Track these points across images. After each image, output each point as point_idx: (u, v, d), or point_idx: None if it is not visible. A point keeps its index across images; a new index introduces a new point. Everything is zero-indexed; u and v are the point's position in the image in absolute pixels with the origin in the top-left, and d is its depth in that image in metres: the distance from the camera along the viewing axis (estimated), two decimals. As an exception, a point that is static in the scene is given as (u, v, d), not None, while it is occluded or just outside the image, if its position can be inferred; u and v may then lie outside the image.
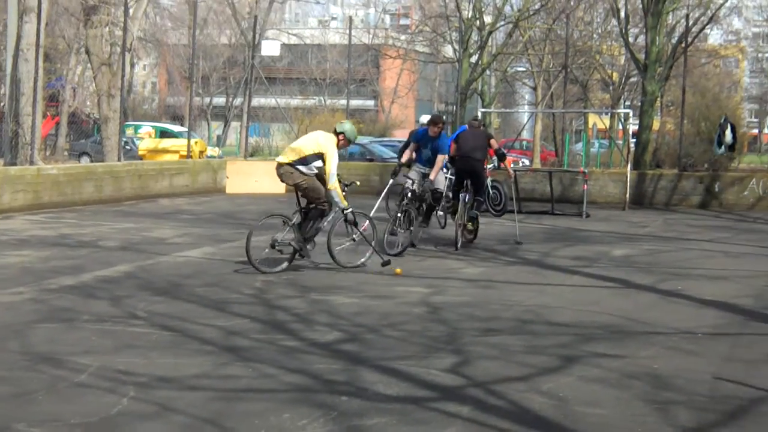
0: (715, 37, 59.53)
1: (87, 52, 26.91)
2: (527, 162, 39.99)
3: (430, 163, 14.24)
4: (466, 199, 14.34)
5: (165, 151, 33.20)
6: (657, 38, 30.14)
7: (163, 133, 38.89)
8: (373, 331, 8.34)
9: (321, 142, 11.63)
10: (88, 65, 30.92)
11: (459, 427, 5.69)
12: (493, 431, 5.64)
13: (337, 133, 11.80)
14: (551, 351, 7.70)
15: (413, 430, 5.62)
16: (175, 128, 41.36)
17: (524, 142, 46.54)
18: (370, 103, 70.53)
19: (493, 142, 15.20)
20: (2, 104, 27.85)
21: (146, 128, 39.87)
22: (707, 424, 5.85)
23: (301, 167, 11.48)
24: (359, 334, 8.21)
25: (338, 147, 11.71)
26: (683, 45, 28.43)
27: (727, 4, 41.98)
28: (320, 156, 11.53)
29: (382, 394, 6.35)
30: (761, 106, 66.49)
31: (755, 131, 69.35)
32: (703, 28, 36.31)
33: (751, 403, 6.32)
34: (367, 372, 6.90)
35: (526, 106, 54.50)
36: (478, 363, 7.25)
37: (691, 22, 30.53)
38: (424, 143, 14.42)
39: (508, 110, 58.05)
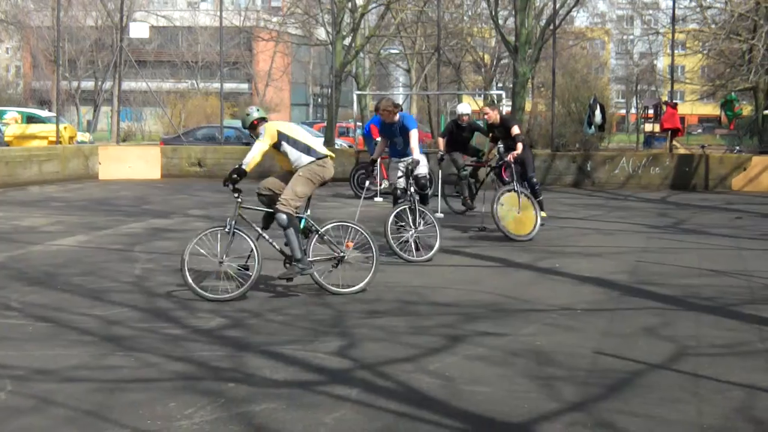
0: (581, 19, 60.81)
1: (-53, 35, 25.93)
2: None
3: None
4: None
5: (33, 137, 32.26)
6: (526, 20, 30.66)
7: (30, 119, 37.70)
8: (256, 316, 8.28)
9: None
10: (-51, 49, 29.83)
11: (348, 410, 5.70)
12: (383, 413, 5.66)
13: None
14: (435, 331, 7.76)
15: (302, 415, 5.60)
16: (43, 113, 40.17)
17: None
18: (244, 86, 69.95)
19: None
20: None
21: (12, 114, 38.54)
22: (590, 397, 5.98)
23: None
24: (243, 320, 8.14)
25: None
26: (551, 27, 28.99)
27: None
28: None
29: (269, 380, 6.31)
30: (627, 86, 68.27)
31: (623, 111, 71.31)
32: (569, 11, 37.05)
33: (632, 375, 6.48)
34: (252, 357, 6.85)
35: (401, 89, 54.69)
36: (365, 345, 7.27)
37: (558, 5, 31.09)
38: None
39: (383, 93, 58.12)
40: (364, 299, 9.09)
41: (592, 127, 27.55)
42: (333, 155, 9.57)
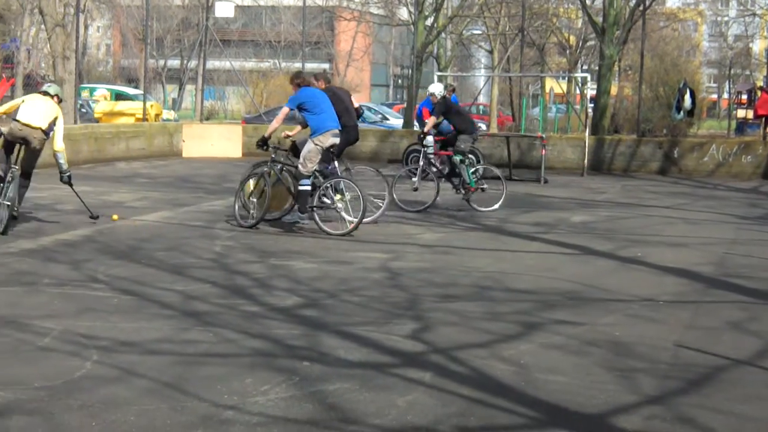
0: (673, 0, 59.60)
1: (41, 12, 26.51)
2: (484, 127, 40.01)
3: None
4: None
5: (121, 113, 32.87)
6: (615, 1, 30.13)
7: (119, 96, 38.43)
8: (332, 297, 8.30)
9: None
10: (42, 26, 30.50)
11: (421, 394, 5.68)
12: (455, 398, 5.63)
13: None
14: (511, 318, 7.70)
15: (375, 396, 5.60)
16: (131, 91, 40.93)
17: (481, 107, 46.53)
18: (326, 66, 70.06)
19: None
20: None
21: (101, 91, 39.34)
22: (670, 391, 5.85)
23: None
24: (319, 300, 8.17)
25: None
26: (641, 8, 28.40)
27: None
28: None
29: (343, 360, 6.32)
30: (720, 70, 66.55)
31: (714, 96, 69.62)
32: (661, -9, 36.30)
33: (714, 370, 6.32)
34: (327, 337, 6.87)
35: (483, 70, 54.35)
36: (439, 329, 7.24)
37: (649, -15, 30.46)
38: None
39: (464, 74, 57.94)
40: (440, 283, 9.05)
41: (681, 112, 26.96)
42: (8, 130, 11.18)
